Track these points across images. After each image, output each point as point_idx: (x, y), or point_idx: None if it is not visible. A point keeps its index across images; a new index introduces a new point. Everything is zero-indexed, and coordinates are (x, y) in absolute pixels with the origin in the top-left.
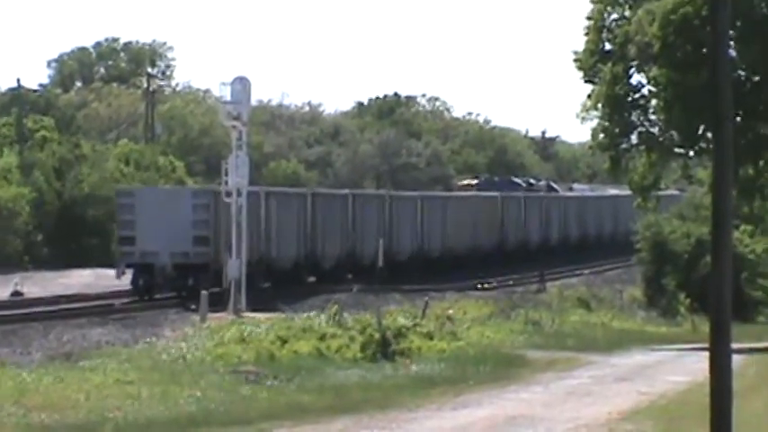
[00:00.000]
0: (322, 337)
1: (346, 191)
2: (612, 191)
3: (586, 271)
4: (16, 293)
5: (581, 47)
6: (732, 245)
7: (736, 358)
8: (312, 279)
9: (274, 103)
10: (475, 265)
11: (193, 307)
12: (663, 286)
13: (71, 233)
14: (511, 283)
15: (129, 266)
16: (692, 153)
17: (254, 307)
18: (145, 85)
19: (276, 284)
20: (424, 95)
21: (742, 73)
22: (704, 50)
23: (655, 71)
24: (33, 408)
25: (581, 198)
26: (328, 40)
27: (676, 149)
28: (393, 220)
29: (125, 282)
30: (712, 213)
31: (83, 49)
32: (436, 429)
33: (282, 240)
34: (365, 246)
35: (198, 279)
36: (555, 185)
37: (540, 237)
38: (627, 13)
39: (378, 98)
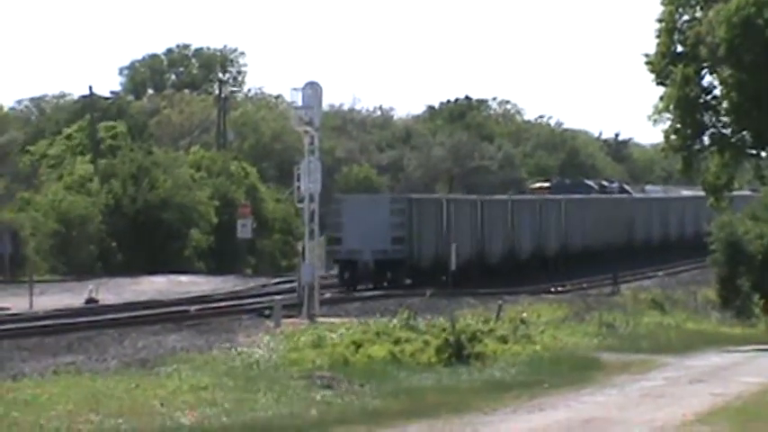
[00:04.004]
0: (396, 342)
1: (506, 196)
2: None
3: (660, 273)
4: (91, 300)
5: (653, 49)
6: None
7: None
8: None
9: (346, 107)
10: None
11: (267, 312)
12: (737, 287)
13: (146, 240)
14: (584, 285)
15: (335, 262)
16: (764, 153)
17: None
18: (216, 91)
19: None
20: (495, 99)
21: None
22: None
23: (725, 72)
24: (109, 414)
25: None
26: (399, 44)
27: (748, 150)
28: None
29: (199, 288)
30: None
31: (154, 56)
32: None
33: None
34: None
35: (395, 273)
36: (627, 187)
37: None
38: (698, 15)
39: (449, 102)
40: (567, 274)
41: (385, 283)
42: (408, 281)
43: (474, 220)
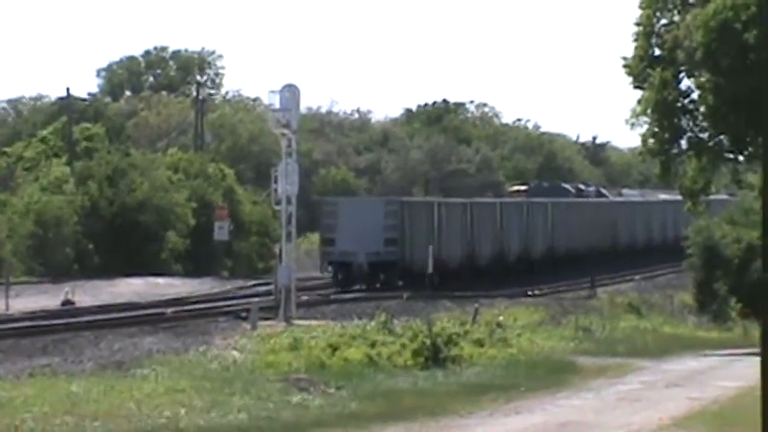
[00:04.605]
0: (373, 345)
1: (498, 200)
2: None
3: (637, 276)
4: (67, 302)
5: (630, 52)
6: None
7: None
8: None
9: (323, 110)
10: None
11: (244, 315)
12: (714, 291)
13: (123, 242)
14: (561, 289)
15: (329, 264)
16: (741, 158)
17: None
18: (194, 93)
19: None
20: (472, 102)
21: None
22: (750, 56)
23: (703, 76)
24: (85, 417)
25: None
26: (377, 47)
27: (726, 154)
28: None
29: (176, 290)
30: (762, 218)
31: (132, 58)
32: None
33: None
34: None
35: (388, 274)
36: (604, 191)
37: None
38: (676, 19)
39: (426, 105)
40: (552, 277)
41: (378, 285)
42: (400, 282)
43: (464, 223)
